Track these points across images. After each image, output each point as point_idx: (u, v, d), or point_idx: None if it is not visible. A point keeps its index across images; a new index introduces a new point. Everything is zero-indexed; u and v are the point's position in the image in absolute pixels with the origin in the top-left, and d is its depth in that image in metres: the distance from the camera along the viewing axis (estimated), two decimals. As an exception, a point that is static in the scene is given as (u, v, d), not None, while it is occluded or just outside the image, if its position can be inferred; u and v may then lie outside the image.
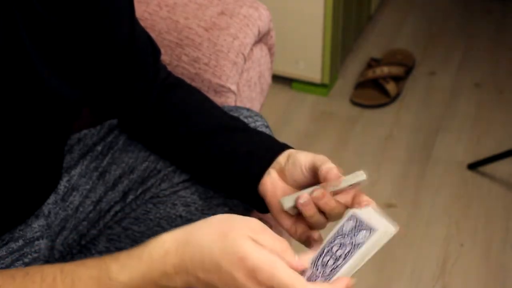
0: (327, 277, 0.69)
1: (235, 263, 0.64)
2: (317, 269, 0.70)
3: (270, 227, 0.71)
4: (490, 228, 1.68)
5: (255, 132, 0.89)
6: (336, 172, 0.75)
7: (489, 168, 1.84)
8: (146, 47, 0.91)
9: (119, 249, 0.92)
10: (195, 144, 0.88)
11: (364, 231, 0.71)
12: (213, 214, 0.90)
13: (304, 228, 0.78)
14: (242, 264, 0.64)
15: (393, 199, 1.76)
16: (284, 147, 0.84)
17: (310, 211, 0.75)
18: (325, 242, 0.73)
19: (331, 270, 0.69)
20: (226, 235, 0.66)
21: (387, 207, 1.72)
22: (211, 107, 0.93)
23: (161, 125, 0.90)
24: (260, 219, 0.75)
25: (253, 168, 0.82)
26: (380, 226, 0.71)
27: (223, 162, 0.86)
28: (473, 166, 1.85)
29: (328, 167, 0.75)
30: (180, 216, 0.91)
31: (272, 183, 0.81)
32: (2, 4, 0.69)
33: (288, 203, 0.78)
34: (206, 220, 0.68)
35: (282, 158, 0.82)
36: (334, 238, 0.72)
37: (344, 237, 0.72)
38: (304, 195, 0.75)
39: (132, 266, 0.67)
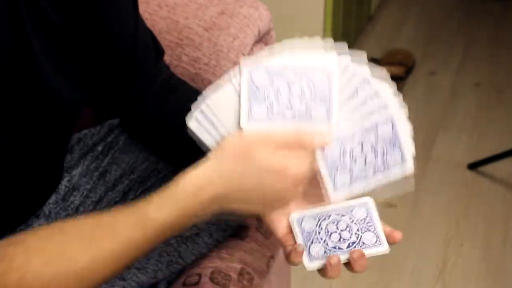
0: (328, 251, 0.72)
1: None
2: (320, 232, 0.73)
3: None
4: (490, 228, 1.68)
5: None
6: None
7: (489, 168, 1.84)
8: (148, 46, 0.91)
9: (119, 249, 0.92)
10: (190, 147, 0.88)
11: (372, 234, 0.74)
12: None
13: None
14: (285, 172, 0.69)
15: (393, 199, 1.76)
16: None
17: (336, 272, 0.73)
18: (330, 207, 0.74)
19: (333, 247, 0.72)
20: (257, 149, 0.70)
21: (387, 207, 1.72)
22: None
23: (159, 127, 0.90)
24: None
25: None
26: (384, 241, 0.75)
27: None
28: (473, 166, 1.85)
29: None
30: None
31: None
32: (12, 8, 0.69)
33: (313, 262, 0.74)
34: (219, 151, 0.71)
35: None
36: (343, 213, 0.75)
37: (353, 222, 0.74)
38: (335, 257, 0.72)
39: (168, 206, 0.69)
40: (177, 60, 1.12)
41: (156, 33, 1.10)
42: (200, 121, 0.73)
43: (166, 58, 1.00)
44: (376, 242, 0.74)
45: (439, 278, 1.56)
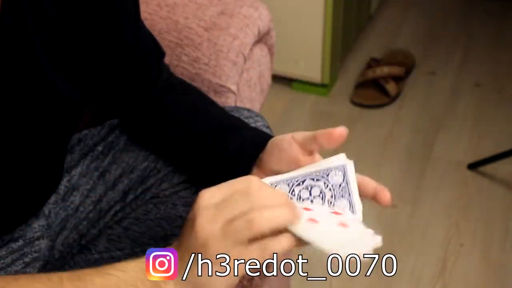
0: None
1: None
2: (292, 198, 0.70)
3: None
4: (490, 228, 1.68)
5: (246, 129, 0.87)
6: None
7: (489, 168, 1.83)
8: (150, 48, 0.91)
9: (120, 249, 0.93)
10: (189, 145, 0.88)
11: (346, 201, 0.70)
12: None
13: None
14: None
15: (393, 199, 1.76)
16: (266, 139, 0.81)
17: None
18: (306, 170, 0.71)
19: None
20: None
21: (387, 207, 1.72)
22: (209, 107, 0.92)
23: (158, 126, 0.90)
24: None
25: (240, 168, 0.81)
26: (358, 210, 0.69)
27: (215, 164, 0.85)
28: (473, 166, 1.85)
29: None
30: (181, 217, 0.91)
31: None
32: (15, 7, 0.69)
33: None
34: None
35: (263, 152, 0.80)
36: (318, 177, 0.71)
37: (328, 187, 0.70)
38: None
39: None
40: (177, 60, 1.12)
41: (156, 33, 1.10)
42: None
43: (166, 58, 1.00)
44: (349, 208, 0.70)
45: (439, 278, 1.56)
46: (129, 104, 0.91)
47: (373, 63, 2.21)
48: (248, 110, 0.97)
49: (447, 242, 1.65)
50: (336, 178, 0.71)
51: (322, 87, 2.14)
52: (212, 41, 1.11)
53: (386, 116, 2.07)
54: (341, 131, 0.71)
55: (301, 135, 0.75)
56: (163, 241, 0.91)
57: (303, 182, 0.71)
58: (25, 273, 0.87)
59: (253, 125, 0.93)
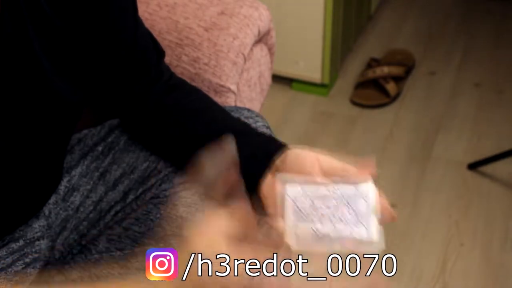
0: (316, 236, 0.69)
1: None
2: (313, 212, 0.70)
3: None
4: (490, 228, 1.68)
5: (254, 135, 0.87)
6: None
7: (489, 168, 1.83)
8: (149, 48, 0.91)
9: (120, 249, 0.93)
10: (191, 147, 0.87)
11: (364, 229, 0.70)
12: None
13: None
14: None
15: (393, 199, 1.76)
16: (281, 148, 0.82)
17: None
18: (328, 187, 0.71)
19: (323, 234, 0.69)
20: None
21: (387, 207, 1.72)
22: (211, 109, 0.92)
23: (159, 126, 0.90)
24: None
25: (250, 174, 0.81)
26: (375, 236, 0.70)
27: None
28: (473, 166, 1.85)
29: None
30: (181, 217, 0.91)
31: (267, 184, 0.79)
32: (13, 7, 0.69)
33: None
34: None
35: (279, 160, 0.81)
36: (342, 198, 0.71)
37: (350, 211, 0.70)
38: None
39: None
40: (177, 60, 1.12)
41: (156, 33, 1.10)
42: None
43: (166, 58, 1.00)
44: (367, 236, 0.70)
45: (439, 278, 1.56)
46: (129, 104, 0.91)
47: (373, 63, 2.21)
48: (248, 110, 0.97)
49: (447, 242, 1.65)
50: (360, 205, 0.71)
51: (322, 87, 2.14)
52: (212, 41, 1.11)
53: (386, 116, 2.07)
54: (371, 162, 0.73)
55: (328, 164, 0.75)
56: (163, 241, 0.91)
57: (324, 197, 0.71)
58: (25, 273, 0.87)
59: (252, 125, 0.93)
